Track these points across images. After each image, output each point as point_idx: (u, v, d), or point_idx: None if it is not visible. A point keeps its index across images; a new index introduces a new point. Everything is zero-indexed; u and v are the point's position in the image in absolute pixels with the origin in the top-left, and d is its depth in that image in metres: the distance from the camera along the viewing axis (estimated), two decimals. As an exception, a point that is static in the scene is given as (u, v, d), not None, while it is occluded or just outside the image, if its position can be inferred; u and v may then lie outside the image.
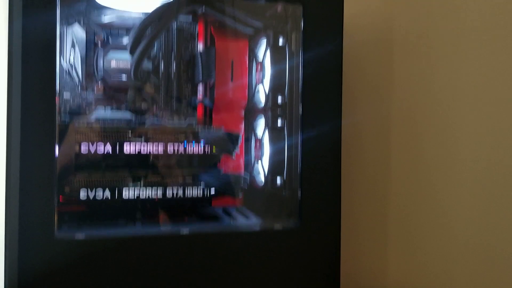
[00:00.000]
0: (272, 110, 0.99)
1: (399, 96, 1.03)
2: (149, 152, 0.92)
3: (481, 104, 0.87)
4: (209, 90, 1.05)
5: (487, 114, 0.86)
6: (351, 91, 1.03)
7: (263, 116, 1.02)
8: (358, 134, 1.08)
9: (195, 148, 0.94)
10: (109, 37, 0.97)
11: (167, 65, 1.00)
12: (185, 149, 0.93)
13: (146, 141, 0.91)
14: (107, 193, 0.88)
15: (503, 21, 0.83)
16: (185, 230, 0.84)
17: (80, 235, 0.75)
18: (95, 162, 0.90)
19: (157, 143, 0.92)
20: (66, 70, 0.93)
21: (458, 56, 0.91)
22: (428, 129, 0.96)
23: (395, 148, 1.04)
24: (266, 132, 1.01)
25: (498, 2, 0.84)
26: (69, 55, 0.93)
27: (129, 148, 0.90)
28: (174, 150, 0.93)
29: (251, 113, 1.08)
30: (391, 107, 1.04)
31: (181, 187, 0.92)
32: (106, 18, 0.97)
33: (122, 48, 0.94)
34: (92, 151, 0.88)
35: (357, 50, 1.07)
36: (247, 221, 0.96)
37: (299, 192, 0.86)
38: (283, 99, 0.97)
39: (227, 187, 0.95)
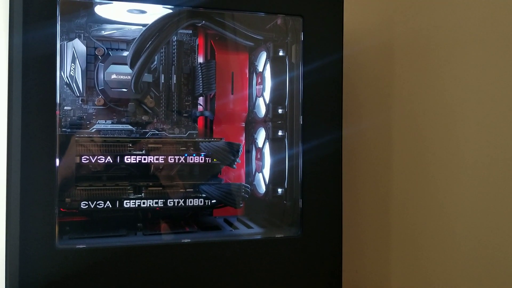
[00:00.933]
0: (272, 121, 0.99)
1: (401, 102, 1.03)
2: (150, 163, 0.92)
3: (483, 110, 0.87)
4: (210, 102, 1.05)
5: (489, 120, 0.86)
6: (353, 98, 1.03)
7: (263, 127, 1.03)
8: (359, 142, 1.08)
9: (196, 160, 0.94)
10: (110, 50, 0.98)
11: (168, 78, 1.01)
12: (185, 159, 0.94)
13: (147, 152, 0.91)
14: (108, 203, 0.88)
15: (505, 26, 0.84)
16: (186, 239, 0.84)
17: (81, 245, 0.76)
18: (95, 173, 0.91)
19: (157, 154, 0.92)
20: (67, 84, 0.94)
21: (459, 61, 0.91)
22: (431, 135, 0.96)
23: (397, 155, 1.04)
24: (267, 142, 1.01)
25: (499, 6, 0.85)
26: (70, 68, 0.94)
27: (129, 159, 0.90)
28: (174, 161, 0.93)
29: (251, 124, 1.08)
30: (393, 114, 1.04)
31: (182, 198, 0.93)
32: (107, 32, 0.98)
33: (122, 61, 0.95)
34: (93, 162, 0.88)
35: (358, 57, 1.07)
36: (249, 230, 0.96)
37: (301, 201, 0.86)
38: (283, 110, 0.97)
39: (228, 197, 0.95)
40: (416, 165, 1.00)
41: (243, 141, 1.07)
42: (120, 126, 0.97)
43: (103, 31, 0.98)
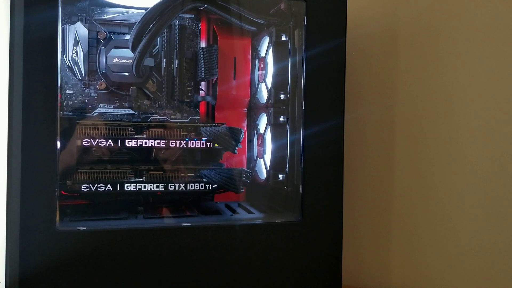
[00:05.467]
0: (274, 106, 0.99)
1: (404, 90, 1.02)
2: (151, 147, 0.92)
3: (488, 100, 0.86)
4: (212, 88, 1.05)
5: (493, 110, 0.86)
6: (355, 85, 1.03)
7: (265, 112, 1.02)
8: (361, 129, 1.08)
9: (197, 144, 0.94)
10: (112, 34, 0.97)
11: (170, 62, 1.01)
12: (186, 144, 0.94)
13: (148, 137, 0.91)
14: (109, 187, 0.88)
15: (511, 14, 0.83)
16: (186, 223, 0.84)
17: (81, 227, 0.76)
18: (97, 157, 0.91)
19: (159, 139, 0.92)
20: (69, 67, 0.94)
21: (464, 50, 0.91)
22: (433, 123, 0.96)
23: (399, 144, 1.04)
24: (269, 128, 1.01)
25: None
26: (72, 52, 0.93)
27: (130, 143, 0.90)
28: (176, 146, 0.93)
29: (253, 109, 1.08)
30: (395, 102, 1.04)
31: (183, 182, 0.93)
32: (109, 15, 0.98)
33: (124, 45, 0.94)
34: (94, 145, 0.88)
35: (362, 43, 1.07)
36: (249, 215, 0.96)
37: (301, 187, 0.86)
38: (285, 96, 0.97)
39: (229, 182, 0.95)
40: (418, 153, 1.00)
41: (245, 127, 1.07)
42: (121, 110, 0.98)
43: (105, 15, 0.98)
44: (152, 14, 0.86)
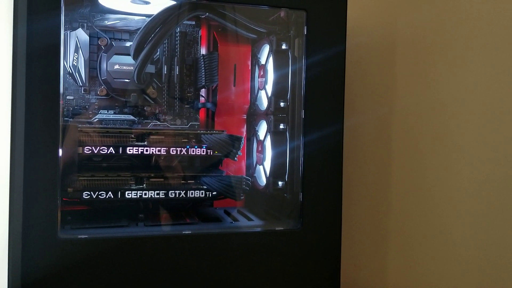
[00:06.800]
0: (274, 114, 0.99)
1: (401, 99, 1.03)
2: (152, 154, 0.92)
3: (483, 109, 0.87)
4: (212, 94, 1.05)
5: (489, 119, 0.86)
6: (353, 94, 1.03)
7: (265, 120, 1.03)
8: (359, 137, 1.08)
9: (197, 151, 0.95)
10: (113, 40, 0.98)
11: (170, 69, 1.01)
12: (187, 151, 0.94)
13: (149, 144, 0.92)
14: (110, 194, 0.88)
15: (507, 24, 0.84)
16: (187, 231, 0.84)
17: (82, 235, 0.76)
18: (97, 163, 0.91)
19: (159, 145, 0.92)
20: (69, 73, 0.94)
21: (461, 59, 0.91)
22: (430, 132, 0.97)
23: (396, 152, 1.04)
24: (268, 135, 1.01)
25: (501, 6, 0.85)
26: (73, 58, 0.94)
27: (131, 150, 0.90)
28: (176, 152, 0.93)
29: (253, 116, 1.08)
30: (393, 110, 1.05)
31: (183, 189, 0.93)
32: (110, 22, 0.98)
33: (125, 51, 0.95)
34: (95, 152, 0.88)
35: (360, 52, 1.07)
36: (249, 222, 0.96)
37: (301, 195, 0.87)
38: (285, 104, 0.97)
39: (229, 190, 0.95)
40: (415, 162, 1.00)
41: (244, 133, 1.07)
42: (122, 117, 0.98)
43: (106, 21, 0.98)
44: (155, 23, 0.86)
